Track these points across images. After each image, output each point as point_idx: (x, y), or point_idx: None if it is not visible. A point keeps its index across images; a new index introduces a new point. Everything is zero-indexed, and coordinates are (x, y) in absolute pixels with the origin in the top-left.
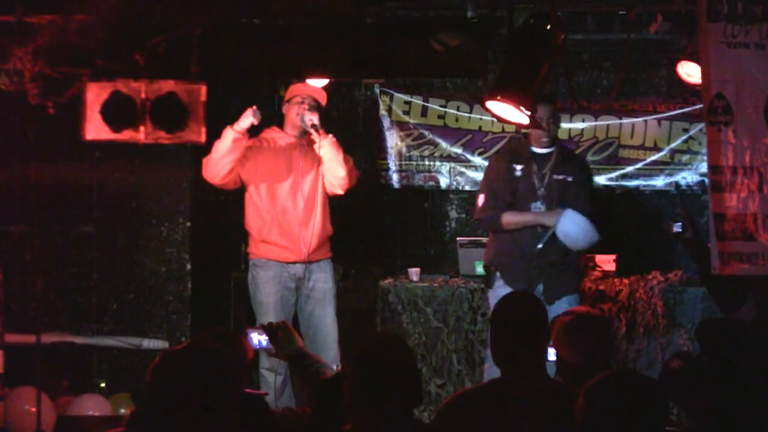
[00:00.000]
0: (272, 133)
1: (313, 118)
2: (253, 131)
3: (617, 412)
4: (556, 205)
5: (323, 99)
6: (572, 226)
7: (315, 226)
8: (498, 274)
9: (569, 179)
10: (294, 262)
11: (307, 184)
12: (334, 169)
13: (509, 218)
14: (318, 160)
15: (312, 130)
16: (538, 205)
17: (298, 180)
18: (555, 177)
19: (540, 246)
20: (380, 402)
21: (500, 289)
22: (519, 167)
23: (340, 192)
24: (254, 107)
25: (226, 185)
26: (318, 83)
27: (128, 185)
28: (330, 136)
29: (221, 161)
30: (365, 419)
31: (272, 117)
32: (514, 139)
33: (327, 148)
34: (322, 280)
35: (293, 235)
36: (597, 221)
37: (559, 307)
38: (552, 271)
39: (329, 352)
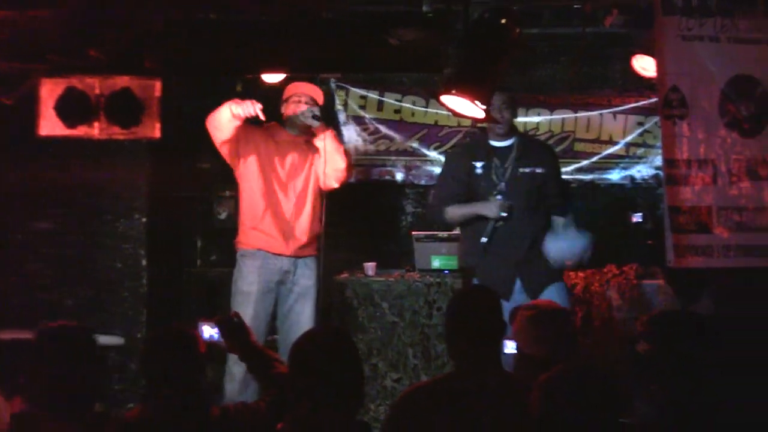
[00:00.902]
0: (273, 128)
1: (314, 110)
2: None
3: (572, 405)
4: (522, 199)
5: (320, 97)
6: (556, 247)
7: (303, 222)
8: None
9: (538, 170)
10: (281, 255)
11: (300, 181)
12: (335, 161)
13: (452, 211)
14: (311, 160)
15: (314, 122)
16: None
17: (291, 175)
18: (521, 170)
19: (485, 240)
20: (317, 399)
21: None
22: (479, 164)
23: (336, 185)
24: (260, 107)
25: (221, 144)
26: (274, 78)
27: (84, 181)
28: (330, 129)
29: (218, 128)
30: (301, 416)
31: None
32: (471, 134)
33: (329, 139)
34: (306, 277)
35: (283, 228)
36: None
37: (548, 297)
38: (525, 264)
39: None
